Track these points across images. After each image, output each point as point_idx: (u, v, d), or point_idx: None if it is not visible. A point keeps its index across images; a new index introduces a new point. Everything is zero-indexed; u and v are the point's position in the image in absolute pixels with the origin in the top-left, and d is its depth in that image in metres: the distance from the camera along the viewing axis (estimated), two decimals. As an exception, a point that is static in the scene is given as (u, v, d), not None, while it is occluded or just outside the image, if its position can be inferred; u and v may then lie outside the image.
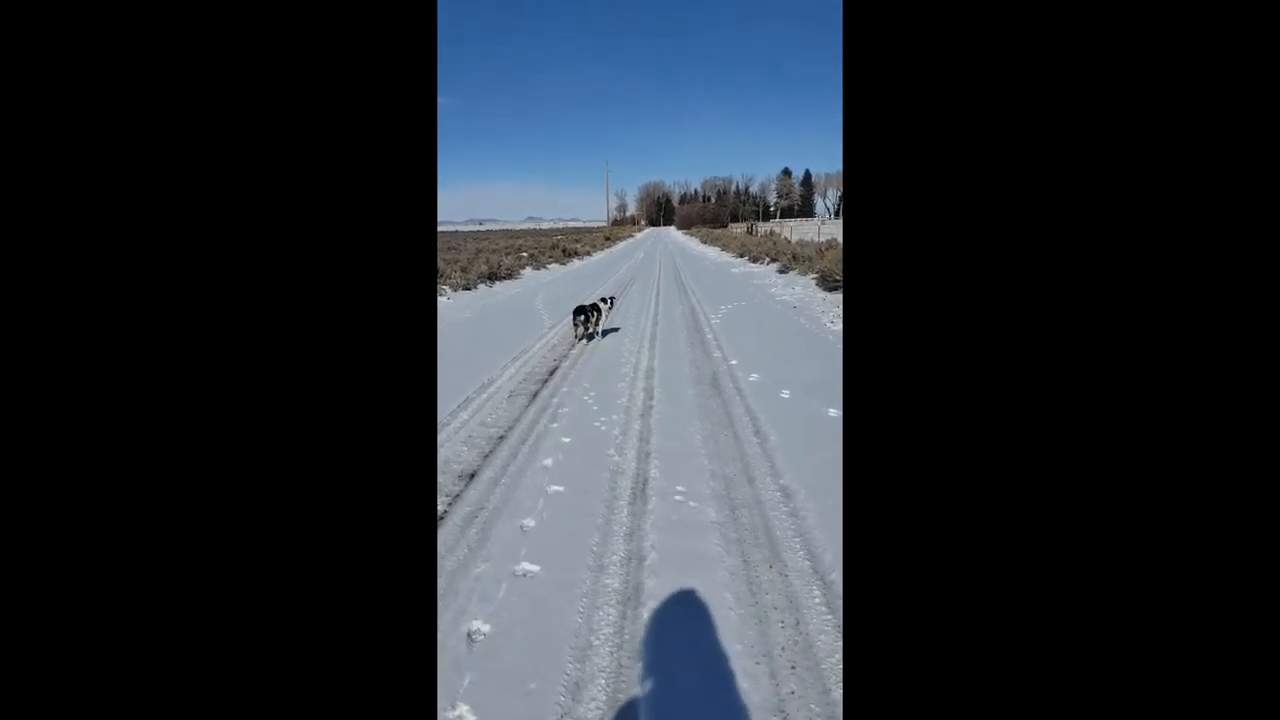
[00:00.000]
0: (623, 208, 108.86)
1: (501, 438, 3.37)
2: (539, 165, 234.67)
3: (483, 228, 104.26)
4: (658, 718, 1.48)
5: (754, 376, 4.47)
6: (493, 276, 12.06)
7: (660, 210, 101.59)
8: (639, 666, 1.64)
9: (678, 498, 2.60)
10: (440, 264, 11.41)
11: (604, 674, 1.63)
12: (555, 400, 4.05)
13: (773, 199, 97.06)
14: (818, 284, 9.61)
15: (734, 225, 52.86)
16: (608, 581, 2.03)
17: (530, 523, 2.43)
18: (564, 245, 21.55)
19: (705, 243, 28.97)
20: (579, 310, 5.99)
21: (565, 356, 5.37)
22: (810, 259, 11.76)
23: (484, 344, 5.92)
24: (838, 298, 8.17)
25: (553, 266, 16.76)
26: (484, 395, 4.17)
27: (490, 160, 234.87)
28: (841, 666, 1.60)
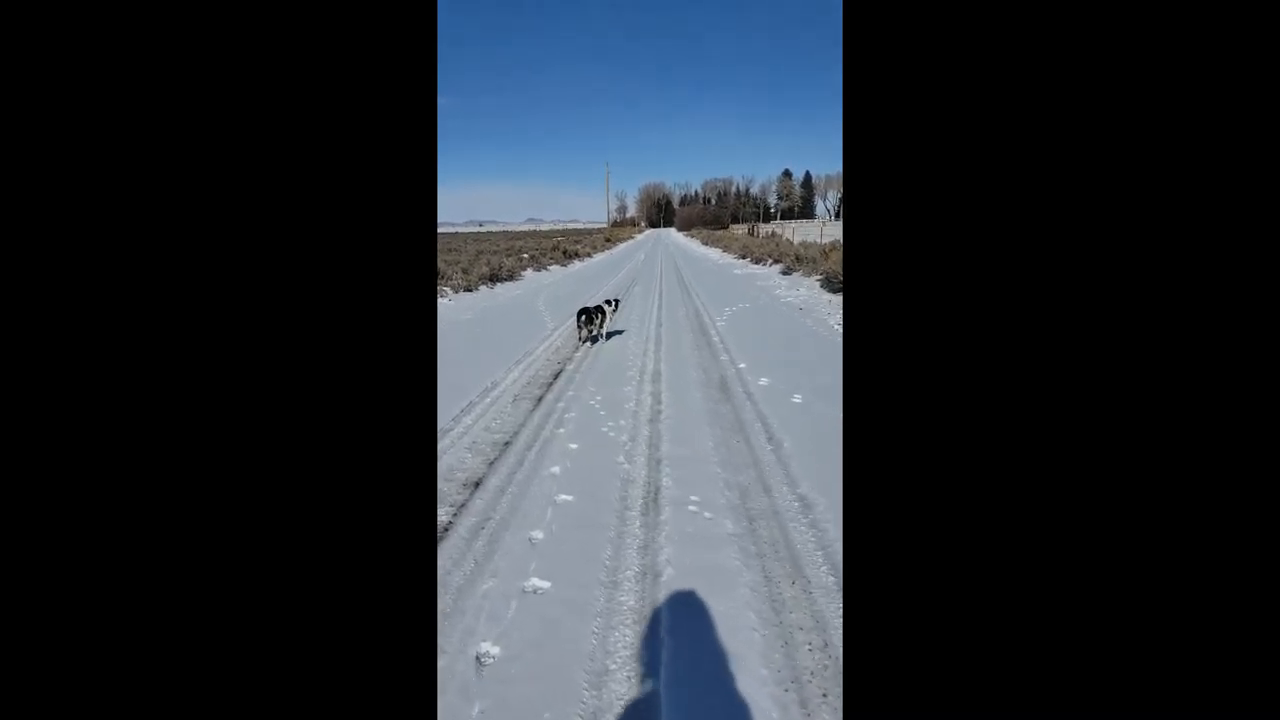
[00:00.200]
0: (623, 209, 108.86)
1: (507, 444, 3.27)
2: (539, 166, 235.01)
3: (483, 229, 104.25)
4: (682, 752, 1.38)
5: (763, 380, 4.36)
6: (494, 278, 11.96)
7: (660, 212, 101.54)
8: (660, 694, 1.54)
9: (692, 508, 2.50)
10: (441, 265, 11.32)
11: (622, 702, 1.52)
12: (561, 405, 3.94)
13: (773, 200, 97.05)
14: (822, 286, 9.52)
15: (734, 226, 52.79)
16: (623, 599, 1.93)
17: (539, 535, 2.33)
18: (564, 247, 21.46)
19: (706, 244, 28.89)
20: (583, 312, 5.89)
21: (569, 359, 5.27)
22: (814, 260, 11.67)
23: (486, 346, 5.82)
24: (842, 300, 8.07)
25: (553, 268, 16.66)
26: (488, 399, 4.07)
27: (490, 161, 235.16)
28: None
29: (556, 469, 2.93)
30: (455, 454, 3.12)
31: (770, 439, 3.24)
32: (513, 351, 5.53)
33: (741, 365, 4.84)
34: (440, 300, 9.10)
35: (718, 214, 79.66)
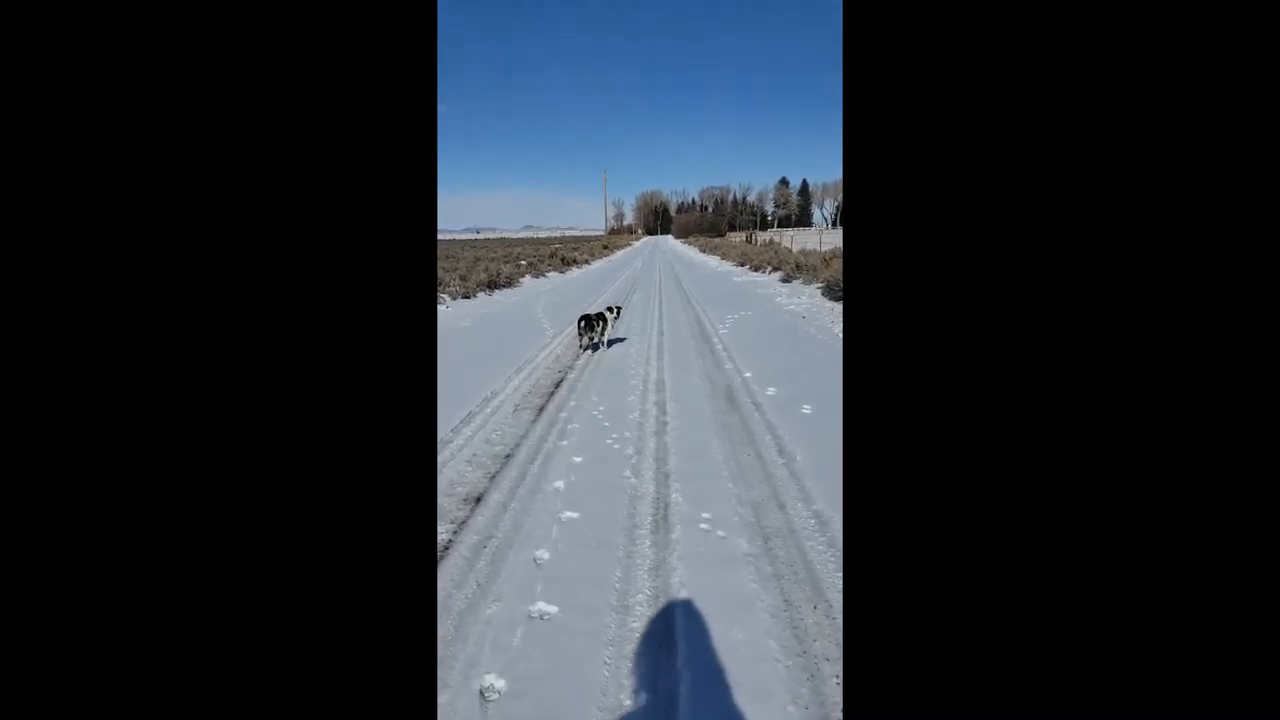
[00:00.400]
0: (620, 216, 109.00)
1: (509, 456, 3.16)
2: (536, 174, 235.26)
3: (480, 236, 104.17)
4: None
5: (771, 390, 4.26)
6: (492, 285, 11.86)
7: (658, 219, 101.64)
8: (679, 734, 1.42)
9: (704, 526, 2.39)
10: (439, 272, 11.22)
11: (639, 743, 1.41)
12: (563, 415, 3.84)
13: (770, 208, 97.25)
14: (824, 294, 9.45)
15: (732, 234, 52.75)
16: (635, 625, 1.81)
17: (544, 555, 2.22)
18: (562, 254, 21.40)
19: (704, 251, 28.87)
20: (584, 319, 5.79)
21: (570, 367, 5.16)
22: (814, 268, 11.60)
23: (486, 354, 5.71)
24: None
25: (552, 275, 16.58)
26: (488, 409, 3.96)
27: (488, 168, 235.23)
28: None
29: (560, 484, 2.82)
30: (455, 467, 3.01)
31: (781, 452, 3.14)
32: (513, 359, 5.42)
33: (747, 374, 4.75)
34: (438, 307, 8.99)
35: (715, 221, 79.70)
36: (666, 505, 2.58)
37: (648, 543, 2.29)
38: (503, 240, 51.27)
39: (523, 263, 17.04)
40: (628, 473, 2.93)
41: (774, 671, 1.61)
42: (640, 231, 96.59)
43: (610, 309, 6.23)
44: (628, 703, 1.52)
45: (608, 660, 1.67)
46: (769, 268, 14.92)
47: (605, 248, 33.49)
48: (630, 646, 1.72)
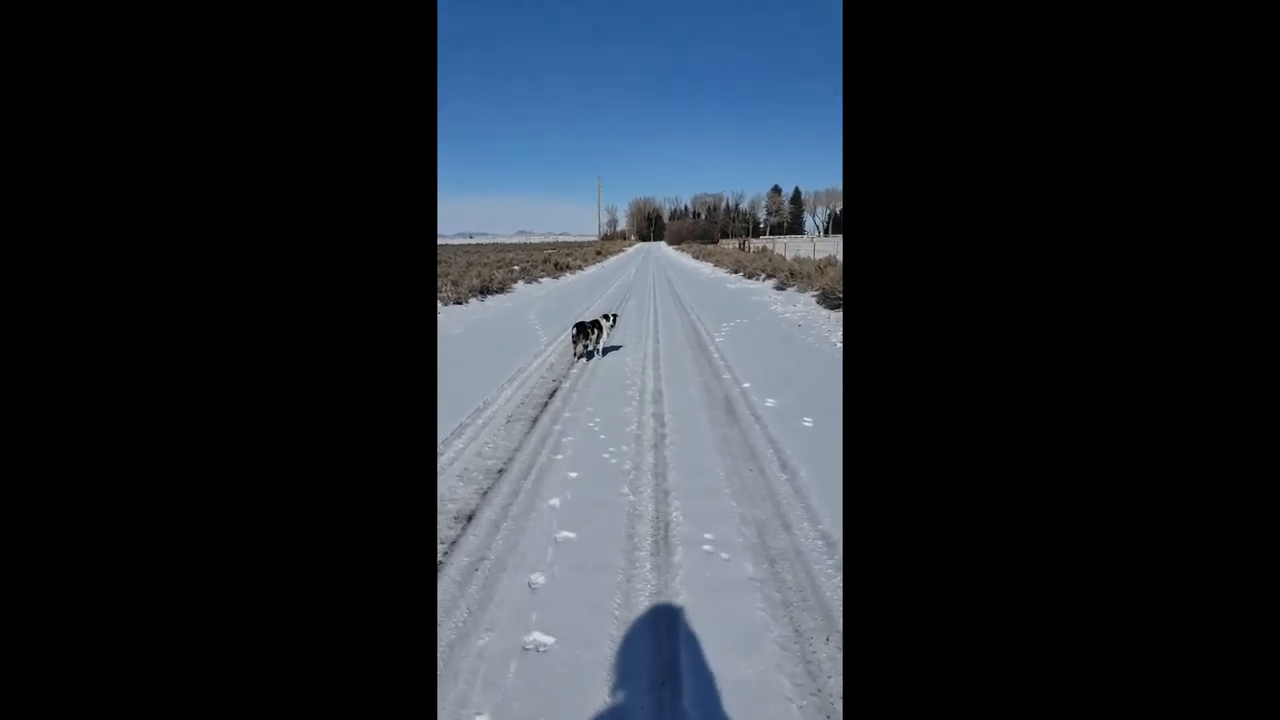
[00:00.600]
0: (613, 223, 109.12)
1: (501, 471, 3.04)
2: (530, 179, 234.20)
3: (473, 241, 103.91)
4: None
5: (770, 401, 4.17)
6: (485, 290, 11.72)
7: (651, 225, 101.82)
8: (688, 785, 1.31)
9: (707, 548, 2.28)
10: (431, 277, 11.06)
11: (644, 796, 1.30)
12: (558, 427, 3.72)
13: (763, 216, 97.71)
14: (819, 302, 9.39)
15: (724, 241, 52.85)
16: (637, 659, 1.70)
17: (539, 579, 2.10)
18: (555, 259, 21.29)
19: (697, 258, 28.82)
20: (579, 327, 5.68)
21: (565, 376, 5.04)
22: (809, 276, 11.55)
23: (478, 362, 5.58)
24: (841, 316, 7.93)
25: (545, 280, 16.45)
26: (479, 420, 3.83)
27: (481, 173, 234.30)
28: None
29: (556, 501, 2.70)
30: (445, 482, 2.88)
31: (784, 467, 3.04)
32: (505, 368, 5.29)
33: (746, 385, 4.65)
34: (429, 313, 8.84)
35: (707, 228, 79.87)
36: (667, 525, 2.47)
37: (648, 565, 2.18)
38: (496, 245, 51.18)
39: (516, 268, 16.91)
40: (626, 489, 2.82)
41: (787, 713, 1.50)
42: (633, 237, 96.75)
43: (606, 316, 6.12)
44: (631, 749, 1.41)
45: (607, 701, 1.55)
46: (762, 275, 14.88)
47: (599, 253, 33.43)
48: (633, 682, 1.61)
